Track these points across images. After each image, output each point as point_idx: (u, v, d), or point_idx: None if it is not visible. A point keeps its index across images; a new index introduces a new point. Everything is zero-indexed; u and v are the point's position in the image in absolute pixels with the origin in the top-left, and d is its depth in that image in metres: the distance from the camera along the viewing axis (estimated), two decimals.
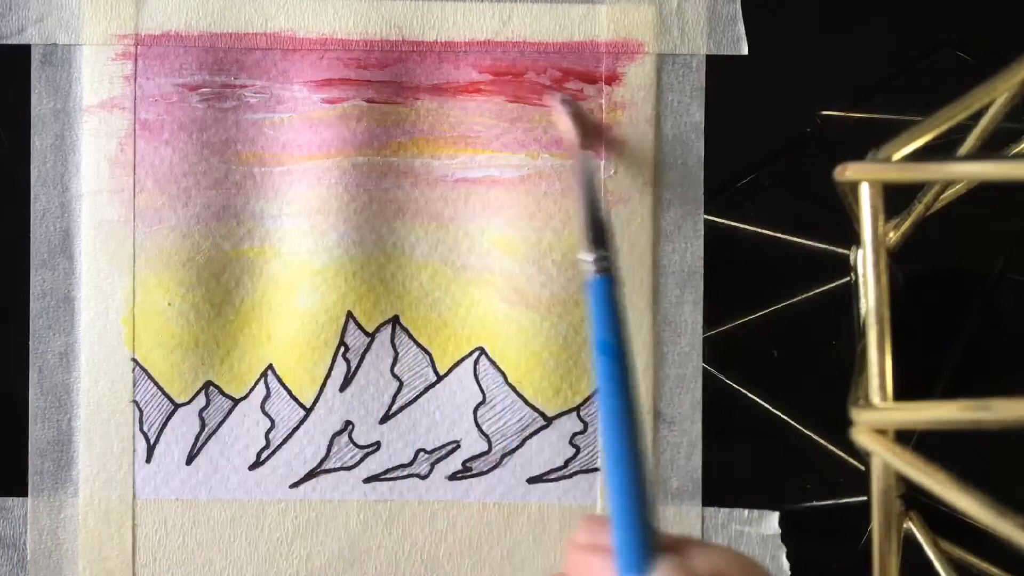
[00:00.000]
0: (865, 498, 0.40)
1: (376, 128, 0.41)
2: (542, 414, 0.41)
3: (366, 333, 0.41)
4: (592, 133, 0.40)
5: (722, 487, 0.41)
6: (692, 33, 0.41)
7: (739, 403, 0.41)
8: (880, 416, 0.28)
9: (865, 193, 0.28)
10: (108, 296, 0.41)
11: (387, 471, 0.41)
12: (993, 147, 0.34)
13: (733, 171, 0.41)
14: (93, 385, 0.41)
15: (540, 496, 0.41)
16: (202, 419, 0.41)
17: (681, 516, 0.41)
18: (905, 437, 0.35)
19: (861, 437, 0.28)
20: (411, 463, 0.41)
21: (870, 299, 0.28)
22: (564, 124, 0.39)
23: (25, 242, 0.41)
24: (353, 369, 0.41)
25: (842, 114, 0.41)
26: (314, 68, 0.41)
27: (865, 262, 0.28)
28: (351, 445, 0.41)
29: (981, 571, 0.37)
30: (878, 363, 0.28)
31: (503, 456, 0.41)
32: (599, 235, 0.33)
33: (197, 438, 0.41)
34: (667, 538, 0.28)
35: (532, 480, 0.41)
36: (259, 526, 0.41)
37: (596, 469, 0.41)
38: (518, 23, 0.41)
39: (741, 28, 0.41)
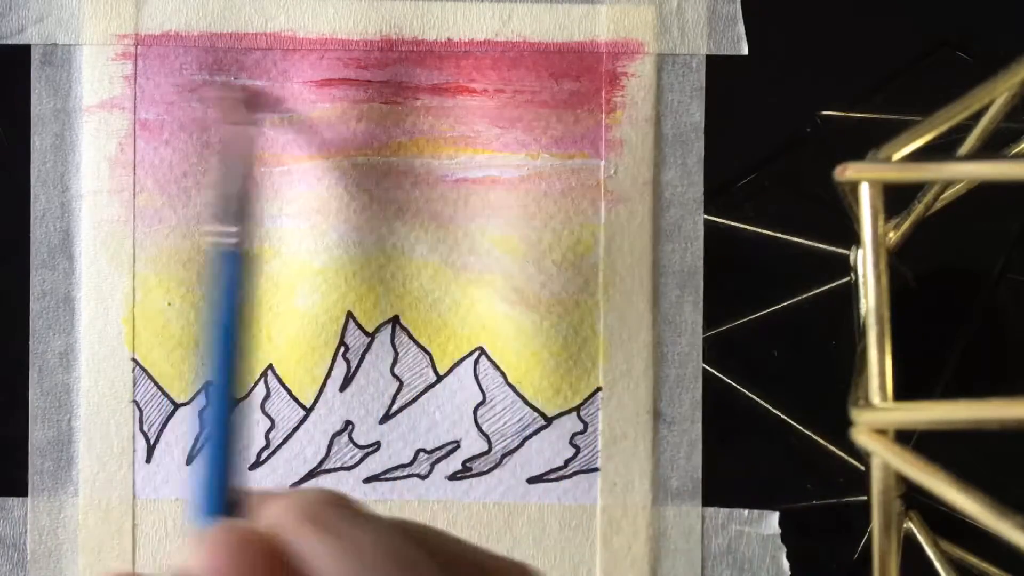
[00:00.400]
0: (865, 498, 0.40)
1: (376, 128, 0.41)
2: (542, 414, 0.41)
3: (366, 333, 0.41)
4: (256, 105, 0.41)
5: (722, 487, 0.41)
6: (692, 33, 0.41)
7: (739, 403, 0.41)
8: (880, 416, 0.28)
9: (865, 193, 0.28)
10: (108, 296, 0.41)
11: (387, 471, 0.41)
12: (993, 147, 0.34)
13: (733, 171, 0.41)
14: (93, 385, 0.41)
15: (540, 496, 0.41)
16: (202, 419, 0.41)
17: (681, 516, 0.41)
18: (905, 437, 0.35)
19: (861, 437, 0.28)
20: (411, 463, 0.41)
21: (870, 299, 0.28)
22: (215, 107, 0.40)
23: (25, 242, 0.41)
24: (353, 369, 0.41)
25: (842, 114, 0.41)
26: (314, 68, 0.41)
27: (865, 262, 0.28)
28: (351, 445, 0.41)
29: (981, 571, 0.37)
30: (878, 363, 0.28)
31: (503, 456, 0.41)
32: (230, 209, 0.34)
33: (197, 438, 0.41)
34: (259, 497, 0.27)
35: (532, 480, 0.41)
36: None
37: (596, 469, 0.41)
38: (518, 23, 0.41)
39: (741, 28, 0.41)
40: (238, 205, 0.35)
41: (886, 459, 0.28)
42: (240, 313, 0.32)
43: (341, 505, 0.25)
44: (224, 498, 0.29)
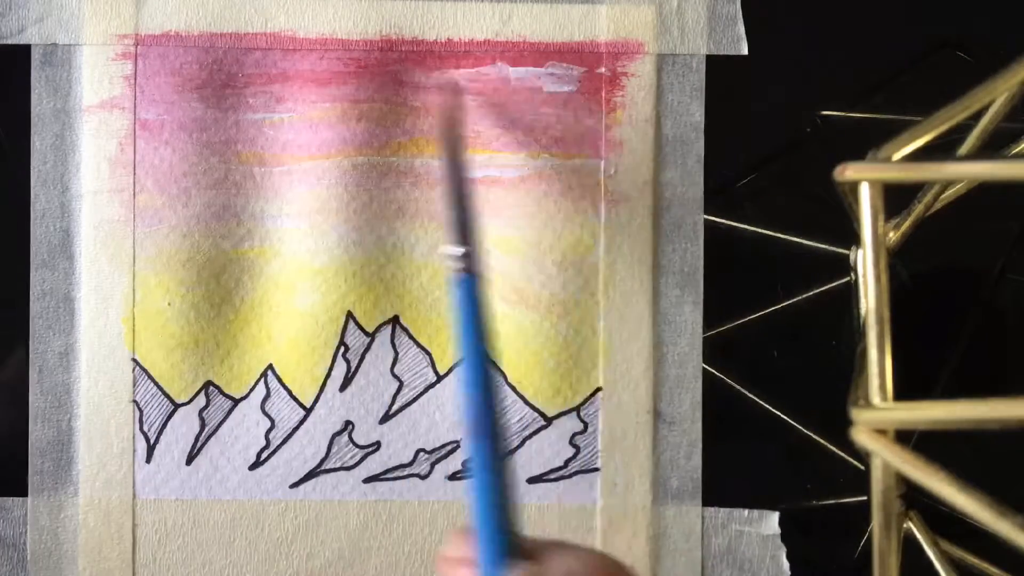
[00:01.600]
0: (865, 498, 0.40)
1: (376, 128, 0.41)
2: (542, 414, 0.41)
3: (366, 333, 0.41)
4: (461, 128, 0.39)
5: (722, 487, 0.41)
6: (692, 33, 0.41)
7: (739, 403, 0.41)
8: (880, 416, 0.28)
9: (865, 193, 0.28)
10: (108, 296, 0.41)
11: (387, 471, 0.41)
12: (993, 147, 0.34)
13: (733, 171, 0.41)
14: (93, 385, 0.41)
15: (540, 496, 0.41)
16: (202, 419, 0.41)
17: (681, 516, 0.41)
18: (905, 437, 0.35)
19: (861, 437, 0.28)
20: (411, 463, 0.41)
21: (870, 299, 0.28)
22: (444, 113, 0.38)
23: (25, 242, 0.41)
24: (353, 369, 0.41)
25: (842, 114, 0.41)
26: (314, 68, 0.41)
27: (865, 262, 0.28)
28: (351, 445, 0.41)
29: (981, 571, 0.37)
30: (878, 363, 0.28)
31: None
32: (464, 231, 0.33)
33: (197, 438, 0.41)
34: (532, 542, 0.29)
35: (532, 480, 0.41)
36: (259, 526, 0.41)
37: (596, 469, 0.41)
38: (518, 23, 0.41)
39: (741, 28, 0.41)
40: (467, 225, 0.33)
41: (886, 459, 0.28)
42: (487, 335, 0.31)
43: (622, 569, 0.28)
44: (506, 544, 0.28)
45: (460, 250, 0.32)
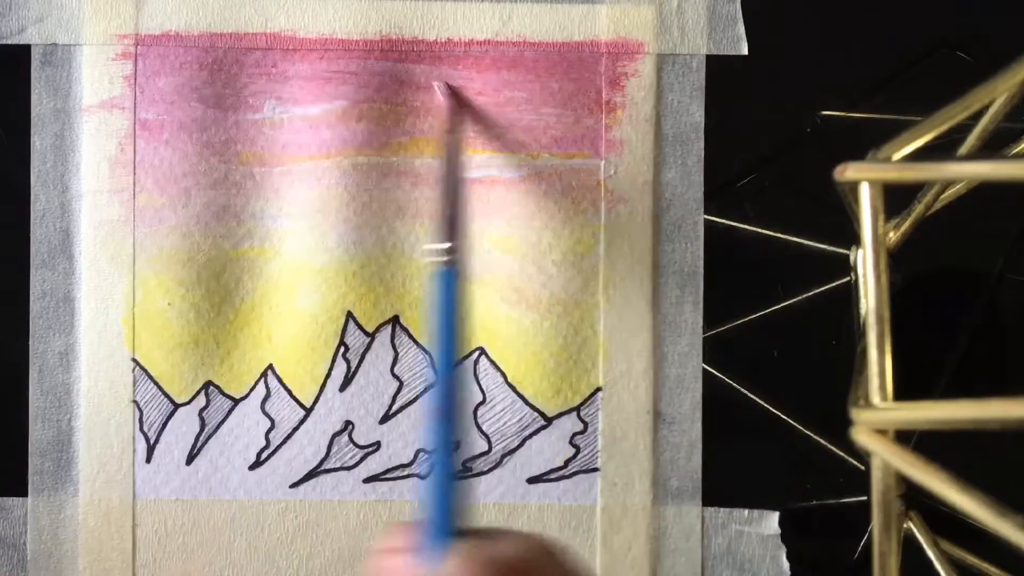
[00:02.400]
0: (865, 498, 0.40)
1: (376, 128, 0.41)
2: (542, 414, 0.41)
3: (366, 333, 0.41)
4: (459, 123, 0.40)
5: (722, 487, 0.41)
6: (692, 33, 0.41)
7: (739, 403, 0.41)
8: (880, 416, 0.28)
9: (865, 193, 0.28)
10: (108, 296, 0.41)
11: (387, 471, 0.41)
12: (993, 147, 0.34)
13: (733, 171, 0.41)
14: (93, 385, 0.41)
15: (540, 496, 0.41)
16: (202, 419, 0.41)
17: (681, 516, 0.41)
18: (905, 437, 0.35)
19: (861, 437, 0.28)
20: (411, 463, 0.41)
21: (870, 299, 0.28)
22: (441, 110, 0.39)
23: (25, 242, 0.41)
24: (353, 369, 0.41)
25: (842, 114, 0.41)
26: (314, 68, 0.41)
27: (865, 262, 0.28)
28: (351, 445, 0.41)
29: (981, 571, 0.37)
30: (878, 363, 0.28)
31: (503, 456, 0.41)
32: (452, 226, 0.33)
33: (197, 438, 0.41)
34: (481, 528, 0.30)
35: (532, 480, 0.41)
36: (259, 526, 0.41)
37: (596, 469, 0.41)
38: (518, 23, 0.41)
39: (741, 28, 0.41)
40: (454, 219, 0.34)
41: (886, 459, 0.28)
42: (460, 329, 0.32)
43: (564, 553, 0.29)
44: (455, 520, 0.29)
45: (446, 244, 0.33)
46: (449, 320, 0.32)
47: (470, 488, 0.30)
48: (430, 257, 0.33)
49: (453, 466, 0.30)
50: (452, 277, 0.32)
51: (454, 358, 0.31)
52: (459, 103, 0.40)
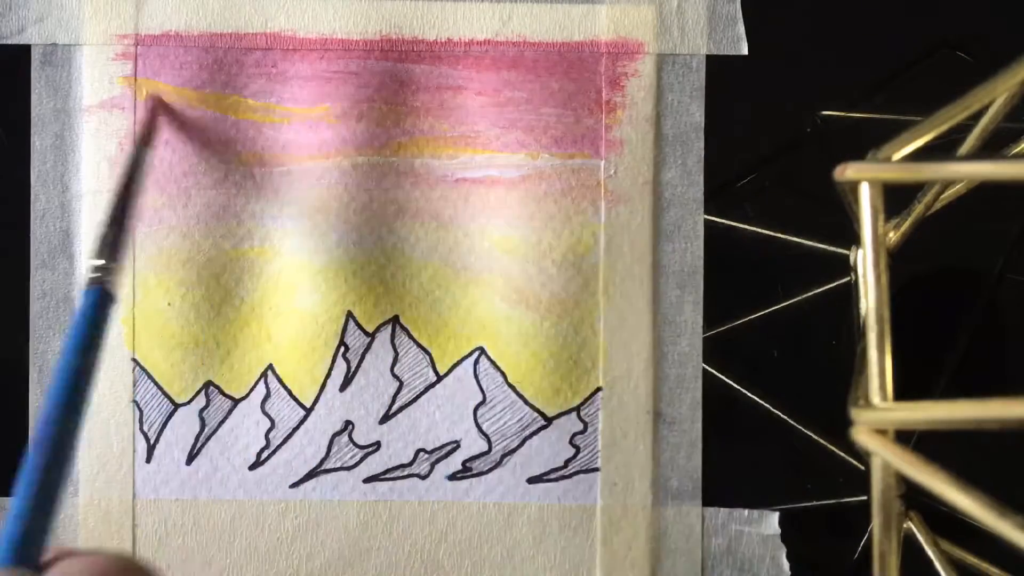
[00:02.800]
0: (865, 498, 0.40)
1: (376, 128, 0.41)
2: (542, 414, 0.41)
3: (366, 333, 0.41)
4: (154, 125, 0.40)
5: (722, 487, 0.41)
6: (692, 33, 0.41)
7: (739, 403, 0.41)
8: (880, 416, 0.28)
9: (865, 193, 0.28)
10: None
11: (387, 471, 0.41)
12: (993, 147, 0.34)
13: (733, 171, 0.41)
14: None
15: (540, 496, 0.41)
16: (202, 419, 0.41)
17: (681, 516, 0.41)
18: (905, 437, 0.35)
19: (861, 437, 0.28)
20: (411, 463, 0.41)
21: (870, 299, 0.28)
22: (147, 121, 0.39)
23: (25, 242, 0.41)
24: (353, 369, 0.41)
25: (842, 114, 0.41)
26: (314, 68, 0.41)
27: (865, 262, 0.28)
28: (351, 445, 0.41)
29: (981, 571, 0.37)
30: (878, 363, 0.28)
31: (503, 456, 0.41)
32: (112, 246, 0.33)
33: (197, 438, 0.41)
34: (58, 552, 0.27)
35: (532, 480, 0.41)
36: (259, 526, 0.41)
37: (596, 469, 0.41)
38: (518, 23, 0.41)
39: (741, 28, 0.41)
40: (115, 238, 0.33)
41: (886, 459, 0.28)
42: (89, 356, 0.29)
43: (133, 571, 0.26)
44: (22, 545, 0.27)
45: (100, 262, 0.32)
46: (78, 343, 0.30)
47: (54, 516, 0.28)
48: (86, 273, 0.32)
49: (46, 492, 0.28)
50: (97, 296, 0.31)
51: (73, 384, 0.29)
52: (169, 117, 0.40)
